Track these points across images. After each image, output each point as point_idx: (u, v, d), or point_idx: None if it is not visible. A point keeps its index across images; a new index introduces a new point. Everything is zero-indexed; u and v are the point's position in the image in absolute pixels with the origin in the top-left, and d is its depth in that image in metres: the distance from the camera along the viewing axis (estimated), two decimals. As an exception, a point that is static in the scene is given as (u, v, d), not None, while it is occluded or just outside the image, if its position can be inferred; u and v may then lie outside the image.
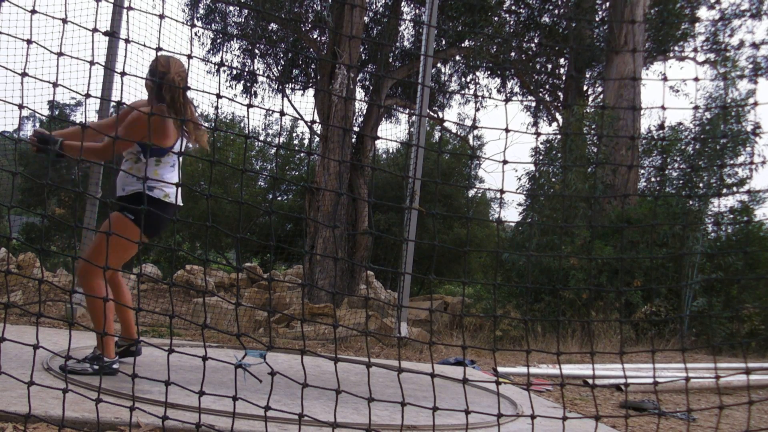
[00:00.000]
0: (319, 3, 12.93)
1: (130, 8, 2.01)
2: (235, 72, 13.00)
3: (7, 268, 2.38)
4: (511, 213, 33.27)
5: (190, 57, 1.97)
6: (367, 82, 13.35)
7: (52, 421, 2.06)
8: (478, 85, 15.24)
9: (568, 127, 11.29)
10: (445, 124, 15.97)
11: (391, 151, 18.97)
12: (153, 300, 8.45)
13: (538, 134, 3.58)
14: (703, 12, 14.60)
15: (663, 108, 2.26)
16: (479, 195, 17.56)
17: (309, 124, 8.81)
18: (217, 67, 2.29)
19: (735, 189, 10.24)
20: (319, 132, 10.90)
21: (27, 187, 13.97)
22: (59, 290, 6.84)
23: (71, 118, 13.96)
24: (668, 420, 3.75)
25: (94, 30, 1.95)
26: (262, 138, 16.77)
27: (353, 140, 11.43)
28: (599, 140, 10.84)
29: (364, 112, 12.50)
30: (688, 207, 9.74)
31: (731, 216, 9.80)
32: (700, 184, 10.07)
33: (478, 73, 14.27)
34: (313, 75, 13.37)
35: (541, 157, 10.87)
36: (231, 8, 12.61)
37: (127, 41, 1.96)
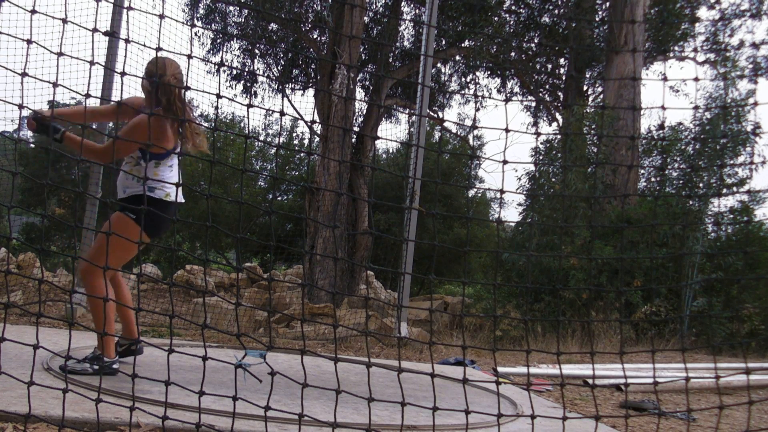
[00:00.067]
0: (319, 3, 12.93)
1: (130, 8, 2.01)
2: (235, 72, 13.00)
3: (7, 268, 2.38)
4: (511, 213, 33.29)
5: (190, 57, 1.97)
6: (367, 82, 13.35)
7: (52, 421, 2.06)
8: (478, 85, 15.24)
9: (568, 127, 11.29)
10: (445, 124, 15.98)
11: (391, 151, 18.98)
12: (153, 300, 8.45)
13: (538, 134, 3.58)
14: (703, 12, 14.62)
15: (663, 108, 2.26)
16: (479, 195, 17.56)
17: (309, 124, 8.81)
18: (217, 67, 2.29)
19: (735, 189, 10.24)
20: (319, 132, 10.91)
21: (27, 187, 13.97)
22: (59, 290, 6.84)
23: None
24: (668, 420, 3.75)
25: (94, 30, 1.95)
26: (262, 138, 16.77)
27: (353, 140, 11.43)
28: (599, 140, 10.84)
29: (364, 112, 12.50)
30: (688, 207, 9.74)
31: (731, 216, 9.80)
32: (700, 184, 10.07)
33: (478, 73, 14.27)
34: (313, 75, 13.37)
35: (541, 157, 10.87)
36: (231, 8, 12.61)
37: (127, 41, 1.96)
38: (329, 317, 7.61)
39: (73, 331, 4.05)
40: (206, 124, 13.86)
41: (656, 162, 11.30)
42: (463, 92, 15.98)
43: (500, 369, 5.11)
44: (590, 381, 4.66)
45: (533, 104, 15.52)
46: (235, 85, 13.49)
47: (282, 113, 2.05)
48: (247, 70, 13.47)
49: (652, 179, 12.16)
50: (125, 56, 1.93)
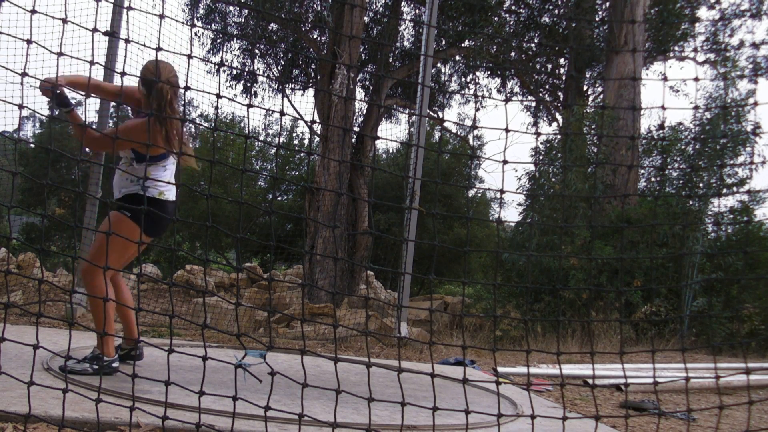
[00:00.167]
0: (319, 3, 12.93)
1: (130, 8, 2.01)
2: (235, 72, 13.00)
3: (7, 268, 2.38)
4: (511, 213, 33.29)
5: (190, 57, 1.97)
6: (367, 82, 13.35)
7: (52, 421, 2.06)
8: (478, 85, 15.25)
9: (568, 127, 11.29)
10: (445, 124, 15.98)
11: (391, 151, 18.99)
12: (153, 300, 8.45)
13: (538, 134, 3.57)
14: (703, 12, 14.62)
15: (663, 108, 2.26)
16: (479, 195, 17.57)
17: (309, 124, 8.81)
18: (217, 67, 2.29)
19: (735, 189, 10.24)
20: (319, 132, 10.91)
21: (27, 187, 13.97)
22: (59, 290, 6.84)
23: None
24: (668, 420, 3.75)
25: (94, 30, 1.95)
26: (262, 138, 16.77)
27: (353, 140, 11.43)
28: (599, 140, 10.84)
29: (364, 112, 12.50)
30: (688, 207, 9.74)
31: (731, 216, 9.80)
32: (700, 184, 10.07)
33: (478, 73, 14.27)
34: (313, 75, 13.37)
35: (541, 157, 10.87)
36: (231, 8, 12.61)
37: (127, 41, 1.96)
38: (329, 317, 7.61)
39: (73, 331, 4.06)
40: (206, 124, 13.86)
41: (656, 162, 11.30)
42: (463, 92, 15.99)
43: (500, 369, 5.11)
44: (590, 381, 4.66)
45: (533, 104, 15.53)
46: (235, 85, 13.50)
47: (282, 113, 2.05)
48: (247, 70, 13.48)
49: (652, 179, 12.16)
50: (125, 56, 1.93)
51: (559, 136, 10.94)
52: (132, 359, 3.18)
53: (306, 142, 16.29)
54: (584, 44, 13.51)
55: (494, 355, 2.22)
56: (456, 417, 2.76)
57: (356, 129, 12.31)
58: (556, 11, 13.69)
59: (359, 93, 13.60)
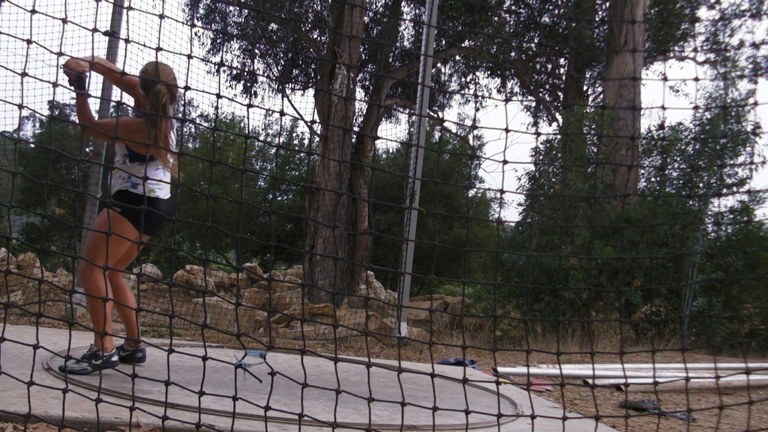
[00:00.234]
0: (319, 3, 12.93)
1: (130, 8, 2.01)
2: (235, 72, 13.00)
3: (7, 268, 2.38)
4: (511, 213, 33.27)
5: (190, 57, 1.97)
6: (367, 82, 13.35)
7: (52, 421, 2.06)
8: (478, 85, 15.25)
9: (568, 127, 11.29)
10: (445, 124, 15.98)
11: (391, 151, 18.99)
12: (153, 300, 8.45)
13: (538, 134, 3.57)
14: (703, 12, 14.62)
15: (663, 108, 2.26)
16: (479, 195, 17.56)
17: (309, 124, 8.82)
18: (217, 67, 2.29)
19: (735, 189, 10.24)
20: (319, 132, 10.91)
21: (27, 187, 13.98)
22: (59, 290, 6.84)
23: (71, 118, 13.95)
24: (668, 420, 3.75)
25: (94, 30, 1.95)
26: (262, 138, 16.77)
27: (353, 140, 11.43)
28: (599, 140, 10.84)
29: (364, 112, 12.50)
30: (688, 207, 9.74)
31: (731, 216, 9.80)
32: (700, 184, 10.07)
33: (478, 73, 14.27)
34: (313, 75, 13.37)
35: (541, 157, 10.87)
36: (231, 8, 12.61)
37: (127, 41, 1.96)
38: (329, 317, 7.61)
39: (73, 331, 4.06)
40: (206, 124, 13.87)
41: (656, 162, 11.30)
42: (463, 92, 15.99)
43: (500, 369, 5.11)
44: (590, 381, 4.66)
45: (533, 104, 15.53)
46: (235, 85, 13.50)
47: (282, 113, 2.05)
48: (247, 70, 13.48)
49: (652, 179, 12.16)
50: (125, 56, 1.93)
51: (559, 136, 10.94)
52: (135, 362, 3.19)
53: (306, 142, 16.30)
54: (584, 44, 13.51)
55: (494, 355, 2.22)
56: (456, 417, 2.76)
57: (356, 129, 12.31)
58: (556, 11, 13.69)
59: (359, 93, 13.61)
